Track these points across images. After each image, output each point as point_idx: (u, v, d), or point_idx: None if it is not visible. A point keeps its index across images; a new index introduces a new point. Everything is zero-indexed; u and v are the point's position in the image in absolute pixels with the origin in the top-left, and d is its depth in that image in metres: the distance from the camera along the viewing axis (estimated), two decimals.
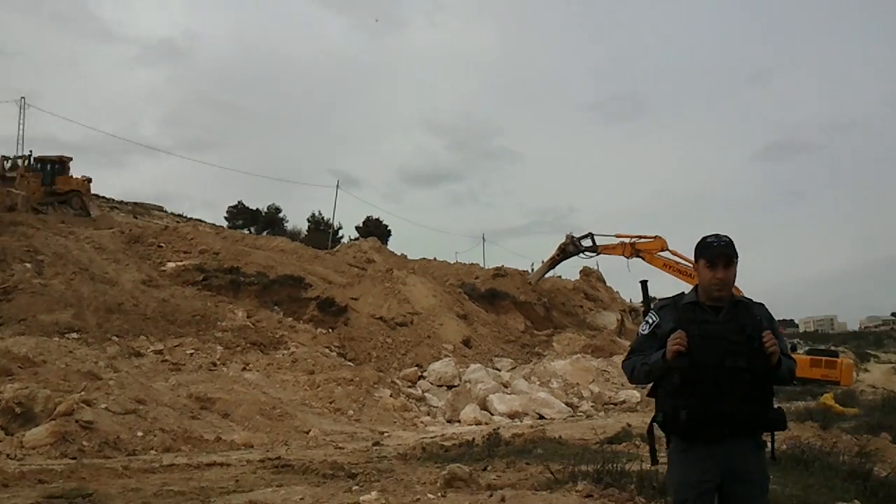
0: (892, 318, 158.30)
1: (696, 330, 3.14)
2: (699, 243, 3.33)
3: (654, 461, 3.36)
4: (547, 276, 35.88)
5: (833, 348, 47.91)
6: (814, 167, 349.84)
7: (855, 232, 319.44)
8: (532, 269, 49.15)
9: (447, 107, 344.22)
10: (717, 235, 3.30)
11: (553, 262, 33.70)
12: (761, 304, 3.37)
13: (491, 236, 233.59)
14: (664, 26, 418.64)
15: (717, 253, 3.21)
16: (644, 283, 3.85)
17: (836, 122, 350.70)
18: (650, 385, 3.37)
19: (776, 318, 3.43)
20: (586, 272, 42.51)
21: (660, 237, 29.01)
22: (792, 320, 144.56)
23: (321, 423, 14.59)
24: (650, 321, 3.33)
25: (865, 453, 8.12)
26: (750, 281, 29.29)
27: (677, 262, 26.97)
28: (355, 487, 6.96)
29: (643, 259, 28.95)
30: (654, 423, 3.32)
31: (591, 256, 32.31)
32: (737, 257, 3.26)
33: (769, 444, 3.27)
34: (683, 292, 3.43)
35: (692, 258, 3.39)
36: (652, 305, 3.48)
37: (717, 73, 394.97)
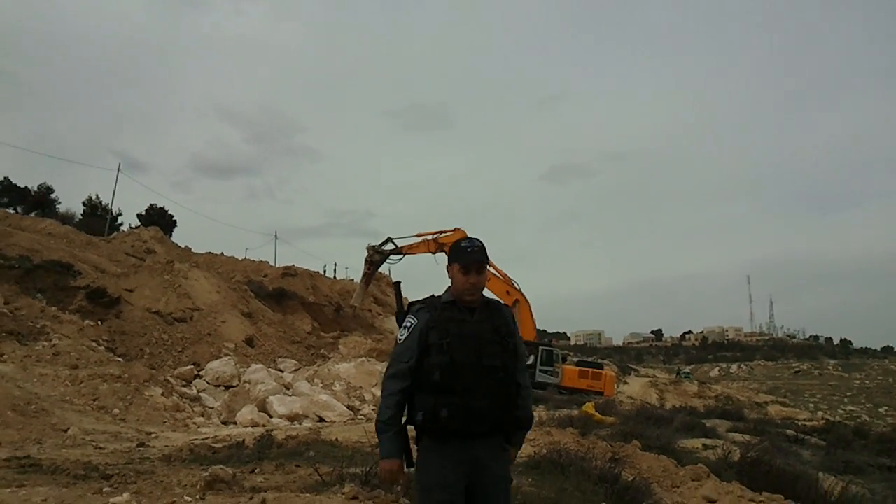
0: (652, 335, 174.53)
1: (455, 329, 3.20)
2: (453, 247, 3.42)
3: (411, 464, 3.36)
4: (372, 285, 36.04)
5: (598, 361, 51.85)
6: (589, 192, 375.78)
7: (622, 254, 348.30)
8: (324, 272, 48.96)
9: (247, 98, 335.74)
10: (470, 240, 3.40)
11: (367, 279, 33.20)
12: (508, 307, 3.51)
13: (285, 235, 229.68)
14: (469, 43, 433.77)
15: (472, 259, 3.30)
16: (397, 285, 3.90)
17: (611, 152, 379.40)
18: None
19: (551, 330, 3.56)
20: (377, 277, 42.79)
21: (459, 229, 29.11)
22: (565, 333, 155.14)
23: (82, 422, 13.51)
24: (409, 325, 3.31)
25: (616, 459, 8.69)
26: (528, 293, 30.60)
27: None
28: (107, 489, 6.46)
29: (447, 253, 29.24)
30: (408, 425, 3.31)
31: (399, 260, 31.87)
32: (487, 262, 3.38)
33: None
34: (434, 294, 3.47)
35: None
36: (407, 307, 3.49)
37: (512, 95, 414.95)
